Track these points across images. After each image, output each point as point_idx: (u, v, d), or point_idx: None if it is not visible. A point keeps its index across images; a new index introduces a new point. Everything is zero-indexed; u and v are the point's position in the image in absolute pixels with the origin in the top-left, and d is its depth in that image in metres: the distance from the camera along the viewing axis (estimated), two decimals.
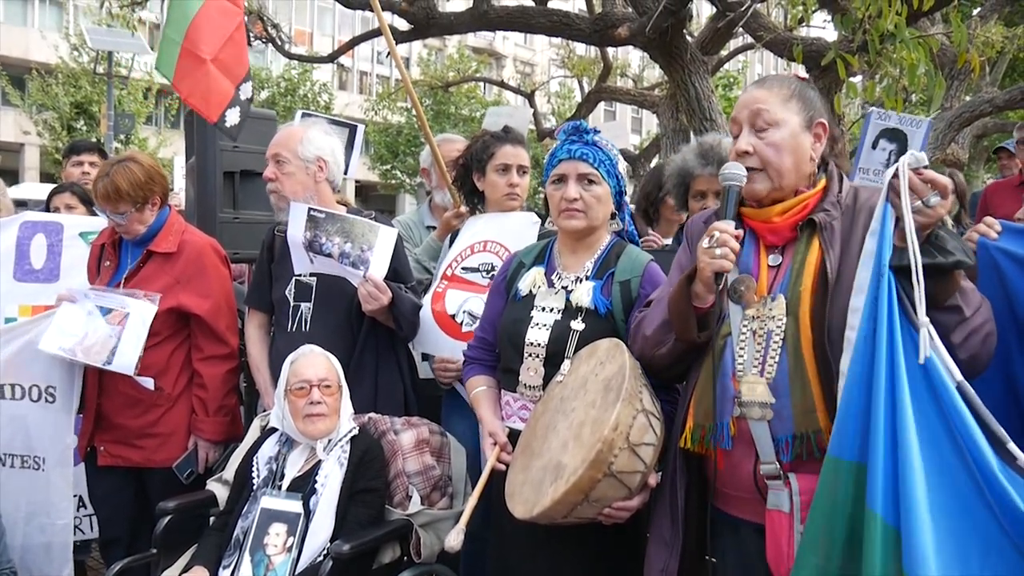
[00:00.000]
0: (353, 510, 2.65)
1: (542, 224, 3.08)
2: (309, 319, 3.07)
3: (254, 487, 2.73)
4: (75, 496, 3.45)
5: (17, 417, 3.18)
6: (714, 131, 5.75)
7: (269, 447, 2.82)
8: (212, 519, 2.86)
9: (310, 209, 2.93)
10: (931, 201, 1.69)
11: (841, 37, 6.20)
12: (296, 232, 2.94)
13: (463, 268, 3.10)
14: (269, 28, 9.48)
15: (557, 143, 2.46)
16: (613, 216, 2.49)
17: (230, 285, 3.37)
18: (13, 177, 26.35)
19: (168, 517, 2.82)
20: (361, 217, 2.98)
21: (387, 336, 3.07)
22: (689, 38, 7.16)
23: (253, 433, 3.02)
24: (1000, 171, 7.21)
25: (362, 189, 33.55)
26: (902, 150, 3.90)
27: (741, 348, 1.91)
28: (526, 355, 2.38)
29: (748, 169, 1.95)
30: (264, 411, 3.13)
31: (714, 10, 7.09)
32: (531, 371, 2.37)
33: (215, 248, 3.34)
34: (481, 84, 26.13)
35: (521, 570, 2.35)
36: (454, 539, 2.19)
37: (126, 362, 3.05)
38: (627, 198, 2.57)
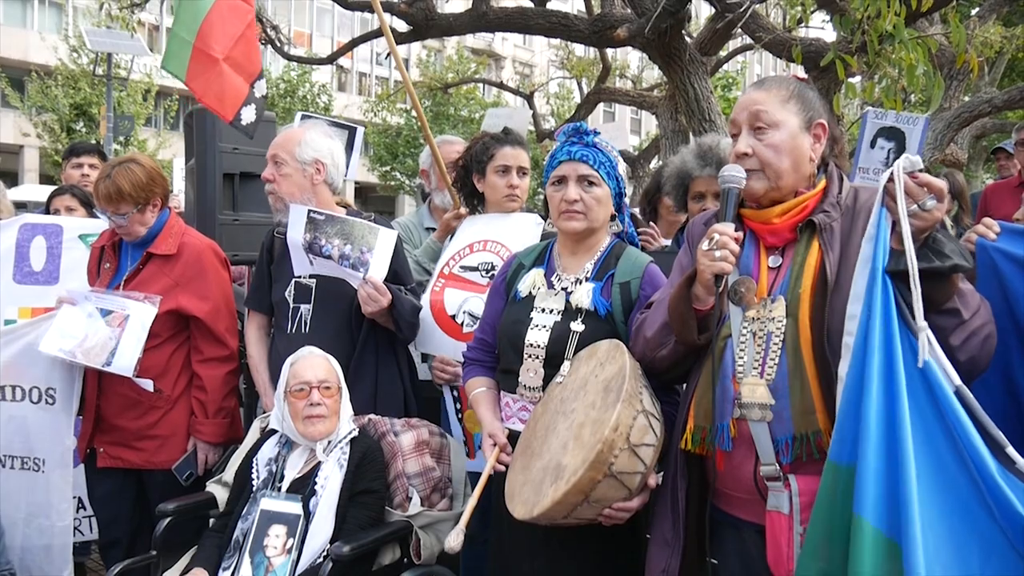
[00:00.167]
0: (353, 512, 2.65)
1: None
2: (309, 321, 3.07)
3: (254, 489, 2.73)
4: (74, 497, 3.46)
5: (17, 418, 3.18)
6: (713, 132, 5.75)
7: (269, 449, 2.82)
8: (212, 521, 2.86)
9: (310, 211, 2.93)
10: (927, 204, 1.69)
11: (840, 38, 6.21)
12: (296, 234, 2.94)
13: (461, 267, 3.10)
14: (268, 29, 9.48)
15: (557, 145, 2.46)
16: (613, 218, 2.49)
17: (229, 287, 3.37)
18: (12, 179, 26.38)
19: (168, 519, 2.82)
20: (361, 219, 2.98)
21: (387, 338, 3.07)
22: (688, 39, 7.16)
23: (253, 435, 3.02)
24: (998, 171, 7.22)
25: (361, 190, 33.55)
26: (900, 148, 3.90)
27: (741, 350, 1.91)
28: (526, 356, 2.38)
29: (747, 170, 1.95)
30: (264, 413, 3.13)
31: (713, 11, 7.10)
32: (531, 372, 2.37)
33: (215, 250, 3.35)
34: (480, 85, 26.12)
35: (521, 571, 2.35)
36: (454, 540, 2.19)
37: (126, 364, 3.06)
38: (627, 200, 2.57)
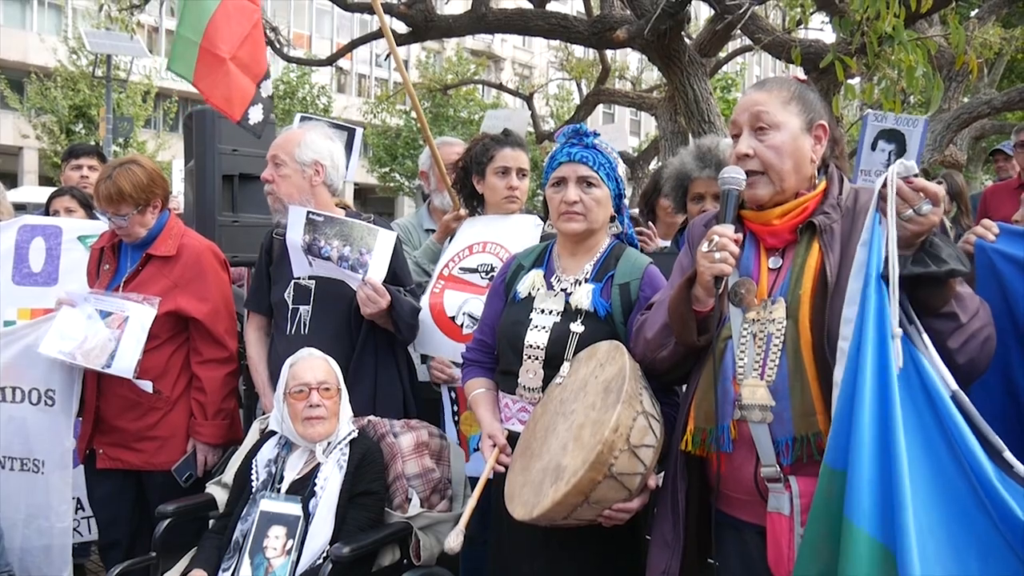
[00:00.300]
0: (352, 513, 2.64)
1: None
2: (308, 322, 3.07)
3: (253, 490, 2.73)
4: (73, 499, 3.45)
5: (17, 420, 3.19)
6: (712, 133, 5.76)
7: (268, 450, 2.82)
8: (211, 522, 2.86)
9: (309, 212, 2.93)
10: (923, 209, 1.69)
11: (839, 39, 6.21)
12: (295, 235, 2.94)
13: (461, 268, 3.10)
14: (268, 31, 9.48)
15: (557, 146, 2.46)
16: (612, 219, 2.49)
17: (229, 289, 3.37)
18: (12, 180, 26.37)
19: (167, 520, 2.82)
20: (360, 220, 2.98)
21: (386, 339, 3.07)
22: (687, 40, 7.17)
23: (252, 436, 3.02)
24: (996, 173, 7.23)
25: (361, 192, 33.55)
26: (901, 150, 3.91)
27: (741, 351, 1.91)
28: (525, 357, 2.38)
29: (749, 172, 1.95)
30: (263, 414, 3.13)
31: (712, 12, 7.10)
32: (530, 373, 2.37)
33: (214, 252, 3.35)
34: (479, 87, 26.13)
35: (521, 572, 2.35)
36: (454, 541, 2.19)
37: (125, 365, 3.06)
38: (626, 201, 2.57)
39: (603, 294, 2.35)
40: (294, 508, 2.62)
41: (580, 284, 2.40)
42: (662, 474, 2.13)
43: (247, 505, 2.70)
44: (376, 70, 38.10)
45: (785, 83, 2.03)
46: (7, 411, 3.18)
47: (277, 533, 2.59)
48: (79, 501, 3.61)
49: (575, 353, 2.29)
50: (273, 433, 2.85)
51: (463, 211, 3.36)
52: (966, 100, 8.89)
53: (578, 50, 15.90)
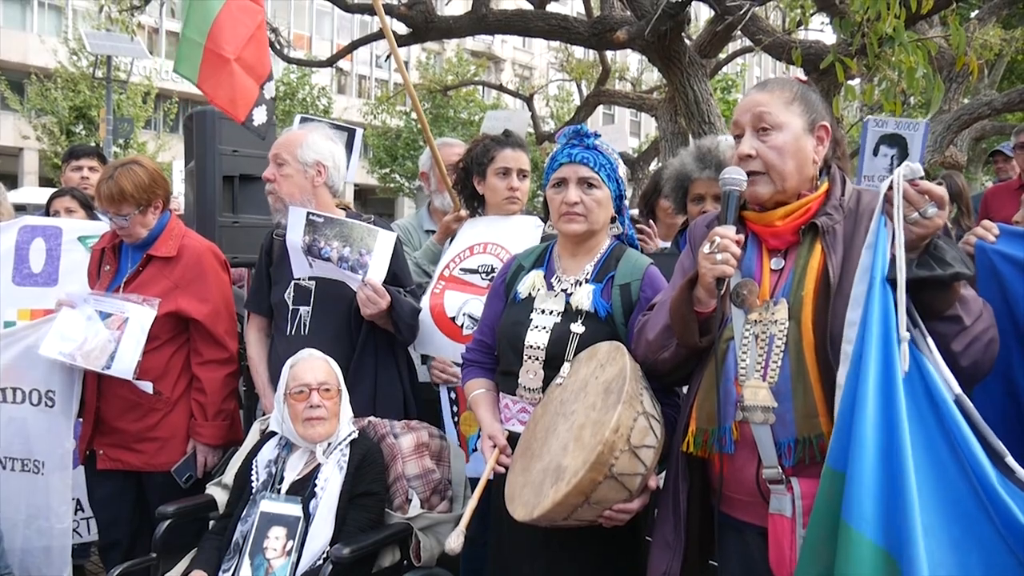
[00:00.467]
0: (353, 514, 2.64)
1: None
2: (308, 323, 3.07)
3: (253, 491, 2.73)
4: (73, 499, 3.45)
5: (17, 421, 3.19)
6: (712, 134, 5.75)
7: (268, 451, 2.82)
8: (211, 523, 2.86)
9: (309, 213, 2.93)
10: (928, 212, 1.69)
11: (840, 40, 6.22)
12: (295, 236, 2.94)
13: (461, 269, 3.10)
14: (268, 32, 9.49)
15: (557, 147, 2.46)
16: (613, 220, 2.49)
17: (229, 289, 3.37)
18: (12, 181, 26.36)
19: (168, 521, 2.82)
20: (360, 221, 2.98)
21: (386, 340, 3.06)
22: (687, 41, 7.17)
23: (253, 437, 3.02)
24: (996, 174, 7.23)
25: (361, 193, 33.55)
26: (903, 154, 3.91)
27: (743, 352, 1.90)
28: (525, 358, 2.38)
29: (751, 173, 1.94)
30: (263, 415, 3.13)
31: (712, 13, 7.10)
32: (530, 374, 2.37)
33: (214, 252, 3.35)
34: (480, 88, 26.14)
35: (521, 572, 2.35)
36: (454, 541, 2.19)
37: (125, 366, 3.06)
38: (627, 202, 2.57)
39: (604, 295, 2.35)
40: (294, 509, 2.62)
41: (580, 285, 2.39)
42: (663, 475, 2.13)
43: (247, 506, 2.70)
44: (376, 71, 38.11)
45: (787, 84, 2.03)
46: (7, 412, 3.18)
47: (277, 534, 2.59)
48: (79, 502, 3.61)
49: (575, 354, 2.29)
50: (273, 434, 2.85)
51: (463, 212, 3.36)
52: (966, 101, 8.89)
53: (578, 51, 15.90)
